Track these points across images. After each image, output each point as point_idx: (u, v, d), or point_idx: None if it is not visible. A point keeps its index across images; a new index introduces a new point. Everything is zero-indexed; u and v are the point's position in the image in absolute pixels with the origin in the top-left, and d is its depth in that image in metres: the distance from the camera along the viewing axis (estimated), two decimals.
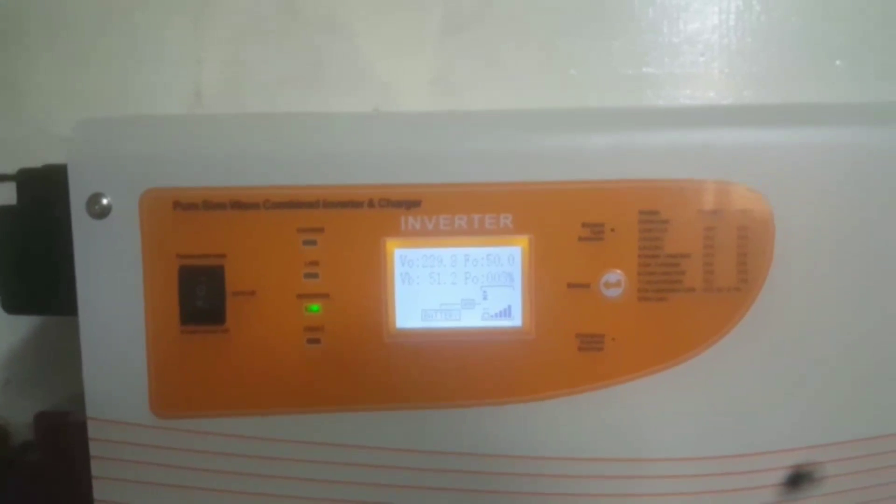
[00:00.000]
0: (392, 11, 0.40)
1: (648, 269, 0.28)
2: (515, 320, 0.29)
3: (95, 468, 0.29)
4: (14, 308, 0.30)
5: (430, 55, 0.40)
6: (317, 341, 0.29)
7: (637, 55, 0.40)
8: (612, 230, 0.28)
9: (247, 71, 0.40)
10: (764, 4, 0.40)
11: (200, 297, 0.28)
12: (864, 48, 0.40)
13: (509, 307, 0.29)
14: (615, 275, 0.28)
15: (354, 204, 0.28)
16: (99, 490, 0.29)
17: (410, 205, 0.28)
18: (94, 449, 0.29)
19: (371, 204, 0.28)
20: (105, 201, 0.28)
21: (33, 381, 0.43)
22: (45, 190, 0.29)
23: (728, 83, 0.41)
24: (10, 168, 0.41)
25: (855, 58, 0.40)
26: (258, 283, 0.28)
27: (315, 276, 0.28)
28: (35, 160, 0.39)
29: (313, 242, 0.28)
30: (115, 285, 0.28)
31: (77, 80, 0.40)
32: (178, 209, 0.28)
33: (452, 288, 0.29)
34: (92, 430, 0.29)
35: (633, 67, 0.41)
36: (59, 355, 0.42)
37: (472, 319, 0.29)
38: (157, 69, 0.40)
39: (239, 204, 0.28)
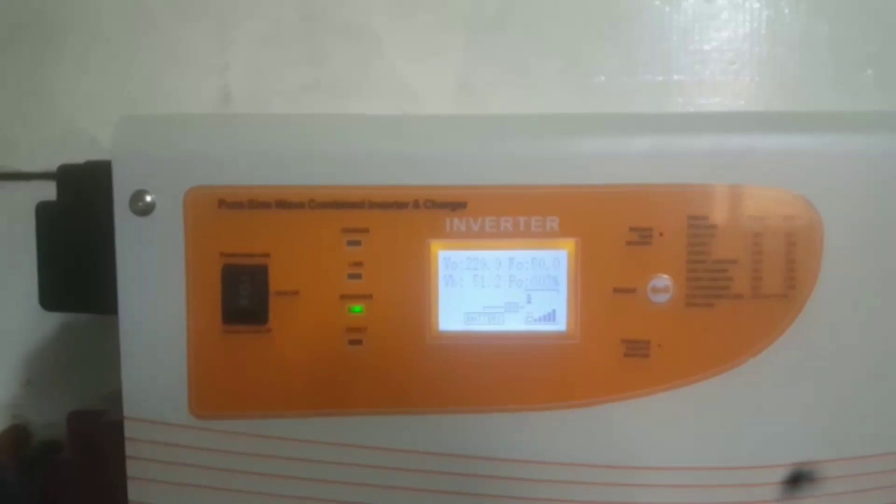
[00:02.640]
0: (416, 17, 0.40)
1: (696, 275, 0.28)
2: (560, 325, 0.28)
3: (131, 468, 0.29)
4: (52, 305, 0.30)
5: (454, 62, 0.40)
6: (359, 342, 0.28)
7: (667, 63, 0.40)
8: (661, 235, 0.28)
9: (272, 76, 0.40)
10: (795, 14, 0.40)
11: (244, 296, 0.28)
12: (895, 56, 0.40)
13: (554, 311, 0.28)
14: (663, 280, 0.28)
15: (399, 205, 0.28)
16: (134, 491, 0.29)
17: (456, 206, 0.28)
18: (130, 449, 0.28)
19: (416, 205, 0.28)
20: (149, 198, 0.28)
21: (54, 381, 0.43)
22: (87, 186, 0.29)
23: (758, 92, 0.41)
24: (42, 165, 0.41)
25: (886, 67, 0.40)
26: (302, 283, 0.28)
27: (358, 276, 0.28)
28: (66, 158, 0.39)
29: (357, 243, 0.28)
30: (157, 283, 0.28)
31: (106, 84, 0.41)
32: (223, 207, 0.28)
33: (496, 291, 0.28)
34: (129, 430, 0.28)
35: (664, 75, 0.40)
36: (81, 356, 0.42)
37: (515, 323, 0.28)
38: (184, 73, 0.40)
39: (284, 203, 0.28)
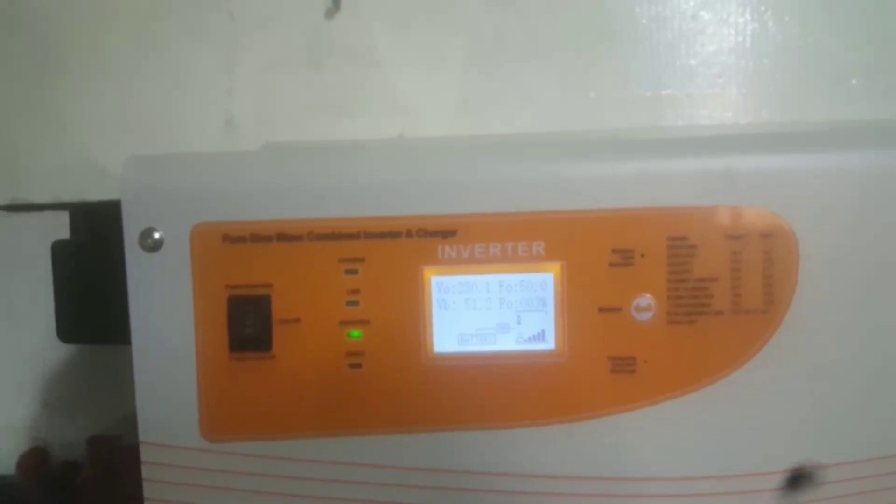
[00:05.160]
0: (415, 37, 0.41)
1: (678, 293, 0.29)
2: (549, 344, 0.30)
3: (147, 490, 0.30)
4: (69, 337, 0.31)
5: (453, 81, 0.41)
6: (358, 366, 0.30)
7: (655, 77, 0.41)
8: (642, 256, 0.29)
9: (276, 100, 0.42)
10: (780, 26, 0.41)
11: (248, 325, 0.29)
12: (879, 67, 0.41)
13: (543, 331, 0.30)
14: (645, 299, 0.29)
15: (393, 234, 0.29)
16: None
17: (447, 234, 0.29)
18: (146, 472, 0.30)
19: (409, 234, 0.29)
20: (157, 235, 0.29)
21: (72, 405, 0.44)
22: (99, 224, 0.31)
23: (745, 104, 0.41)
24: (52, 195, 0.42)
25: (871, 77, 0.41)
26: (303, 311, 0.29)
27: (356, 303, 0.30)
28: (76, 187, 0.40)
29: (355, 271, 0.29)
30: (166, 315, 0.29)
31: (114, 111, 0.42)
32: (227, 242, 0.29)
33: (487, 313, 0.30)
34: (144, 454, 0.30)
35: (652, 89, 0.41)
36: (97, 380, 0.43)
37: (506, 343, 0.30)
38: (190, 100, 0.42)
39: (284, 236, 0.29)
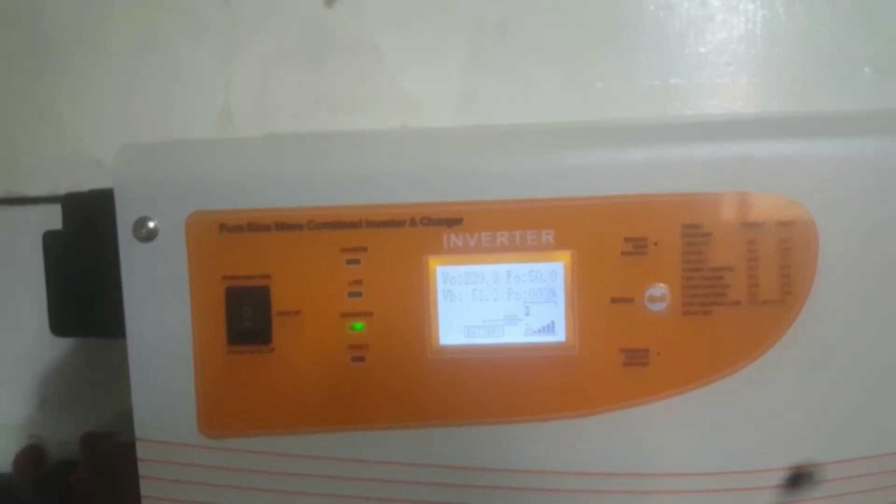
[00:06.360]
0: (417, 28, 0.40)
1: (692, 283, 0.28)
2: (559, 336, 0.29)
3: (144, 488, 0.29)
4: (62, 331, 0.30)
5: (455, 74, 0.40)
6: (361, 359, 0.29)
7: (663, 66, 0.40)
8: (655, 244, 0.28)
9: (274, 92, 0.41)
10: (790, 14, 0.40)
11: (247, 317, 0.28)
12: (892, 55, 0.40)
13: (552, 323, 0.29)
14: (659, 289, 0.28)
15: (396, 223, 0.28)
16: None
17: (452, 222, 0.28)
18: (142, 469, 0.29)
19: (413, 223, 0.28)
20: (151, 225, 0.28)
21: (68, 401, 0.43)
22: (91, 214, 0.30)
23: (756, 93, 0.41)
24: (49, 188, 0.42)
25: (883, 64, 0.40)
26: (303, 303, 0.28)
27: (359, 294, 0.29)
28: (72, 180, 0.39)
29: (356, 262, 0.28)
30: (162, 307, 0.28)
31: (111, 104, 0.41)
32: (224, 231, 0.28)
33: (495, 304, 0.29)
34: (140, 451, 0.29)
35: (661, 78, 0.41)
36: (93, 376, 0.43)
37: (515, 335, 0.29)
38: (187, 93, 0.41)
39: (283, 225, 0.28)
